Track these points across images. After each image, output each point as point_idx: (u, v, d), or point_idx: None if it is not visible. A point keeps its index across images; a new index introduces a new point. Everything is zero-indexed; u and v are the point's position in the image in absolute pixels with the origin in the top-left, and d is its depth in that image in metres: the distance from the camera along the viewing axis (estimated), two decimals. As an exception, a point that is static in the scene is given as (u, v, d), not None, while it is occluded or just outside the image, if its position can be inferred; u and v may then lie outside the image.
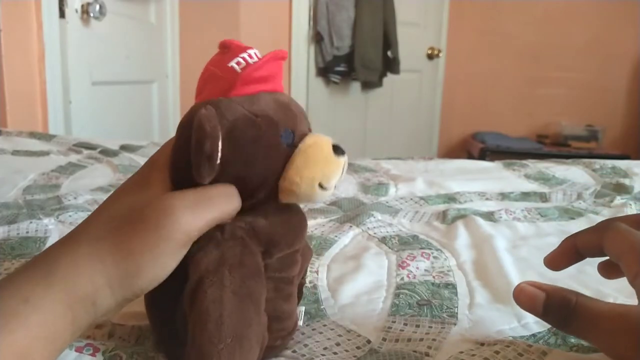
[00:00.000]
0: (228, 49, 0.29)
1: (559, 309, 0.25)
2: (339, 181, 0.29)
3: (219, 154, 0.26)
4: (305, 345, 0.33)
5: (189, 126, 0.27)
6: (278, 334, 0.30)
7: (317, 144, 0.28)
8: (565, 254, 0.31)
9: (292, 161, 0.27)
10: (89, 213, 0.64)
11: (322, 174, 0.28)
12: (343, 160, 0.29)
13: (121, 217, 0.26)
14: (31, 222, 0.53)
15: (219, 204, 0.27)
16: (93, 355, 0.30)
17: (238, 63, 0.28)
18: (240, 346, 0.25)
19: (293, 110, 0.29)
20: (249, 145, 0.27)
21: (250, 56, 0.28)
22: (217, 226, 0.27)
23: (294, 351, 0.32)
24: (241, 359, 0.25)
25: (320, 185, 0.28)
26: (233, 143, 0.26)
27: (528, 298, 0.26)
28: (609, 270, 0.32)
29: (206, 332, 0.24)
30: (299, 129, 0.29)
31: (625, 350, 0.24)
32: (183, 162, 0.27)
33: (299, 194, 0.28)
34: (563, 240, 0.31)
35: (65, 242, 0.26)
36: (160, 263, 0.25)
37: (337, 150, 0.28)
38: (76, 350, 0.30)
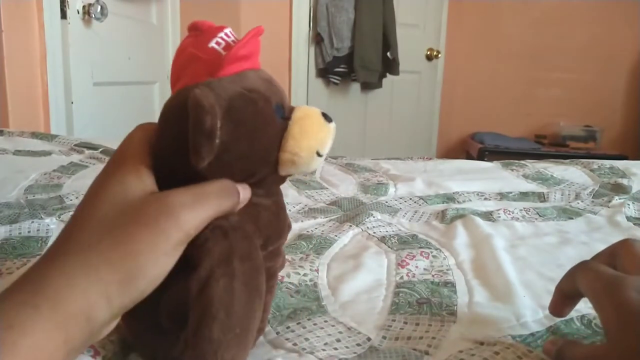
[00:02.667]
0: (201, 31, 0.29)
1: (557, 357, 0.30)
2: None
3: (218, 133, 0.25)
4: (306, 339, 0.33)
5: (178, 110, 0.26)
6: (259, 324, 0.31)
7: (308, 115, 0.29)
8: (560, 302, 0.32)
9: (289, 133, 0.28)
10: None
11: (318, 141, 0.29)
12: (332, 126, 0.30)
13: (113, 219, 0.25)
14: (33, 222, 0.53)
15: (217, 201, 0.26)
16: (94, 357, 0.30)
17: (218, 43, 0.28)
18: (245, 337, 0.25)
19: (276, 85, 0.30)
20: (250, 122, 0.27)
21: (227, 35, 0.29)
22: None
23: (295, 344, 0.32)
24: (244, 349, 0.25)
25: (317, 153, 0.29)
26: (233, 120, 0.26)
27: (546, 352, 0.31)
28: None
29: (217, 321, 0.24)
30: (285, 103, 0.29)
31: None
32: (171, 150, 0.27)
33: (300, 164, 0.28)
34: (554, 290, 0.33)
35: (52, 255, 0.24)
36: (161, 263, 0.24)
37: (326, 117, 0.30)
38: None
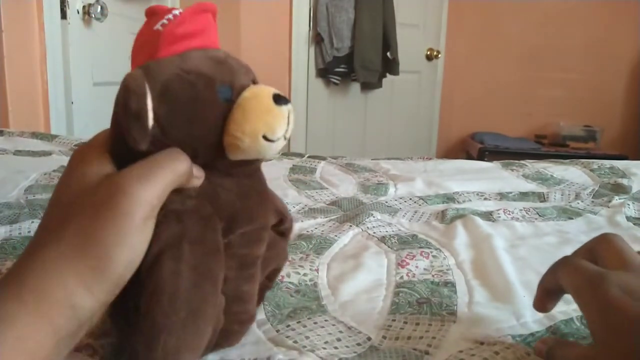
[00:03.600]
0: (154, 14, 0.28)
1: (548, 357, 0.30)
2: (288, 132, 0.28)
3: (149, 114, 0.25)
4: (307, 338, 0.33)
5: (116, 98, 0.26)
6: (237, 316, 0.29)
7: (256, 96, 0.27)
8: (544, 297, 0.32)
9: (231, 116, 0.26)
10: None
11: (264, 125, 0.26)
12: (286, 109, 0.27)
13: (73, 207, 0.25)
14: (33, 222, 0.53)
15: (168, 166, 0.25)
16: (92, 356, 0.30)
17: (162, 25, 0.27)
18: (194, 322, 0.24)
19: (230, 64, 0.28)
20: (185, 104, 0.26)
21: (174, 16, 0.27)
22: (177, 196, 0.26)
23: (295, 342, 0.32)
24: (193, 335, 0.24)
25: (265, 138, 0.26)
26: (168, 104, 0.25)
27: (537, 351, 0.31)
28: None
29: (161, 304, 0.24)
30: (237, 84, 0.27)
31: None
32: (116, 137, 0.27)
33: (245, 148, 0.26)
34: (538, 287, 0.33)
35: (31, 248, 0.25)
36: (129, 243, 0.24)
37: (279, 99, 0.27)
38: (75, 350, 0.30)
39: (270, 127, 0.26)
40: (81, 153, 0.27)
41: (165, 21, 0.27)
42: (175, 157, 0.26)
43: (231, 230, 0.28)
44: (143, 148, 0.25)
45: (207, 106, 0.26)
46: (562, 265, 0.30)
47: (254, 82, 0.29)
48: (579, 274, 0.28)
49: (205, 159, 0.27)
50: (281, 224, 0.35)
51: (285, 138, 0.28)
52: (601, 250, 0.30)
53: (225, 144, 0.27)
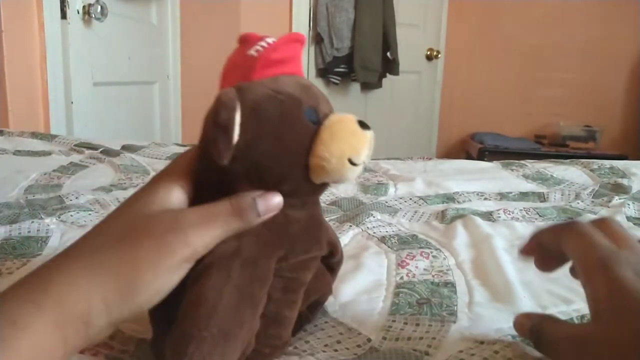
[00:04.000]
0: (246, 41, 0.30)
1: (533, 332, 0.28)
2: (368, 157, 0.28)
3: (236, 127, 0.25)
4: (307, 342, 0.33)
5: (206, 117, 0.26)
6: (271, 340, 0.29)
7: (341, 120, 0.28)
8: (533, 249, 0.30)
9: (319, 137, 0.27)
10: (90, 213, 0.63)
11: (350, 147, 0.27)
12: (369, 133, 0.28)
13: (123, 229, 0.25)
14: (33, 222, 0.53)
15: (225, 220, 0.26)
16: (95, 355, 0.30)
17: (256, 50, 0.28)
18: (225, 341, 0.24)
19: (314, 91, 0.29)
20: (274, 120, 0.26)
21: (269, 44, 0.29)
22: None
23: (295, 347, 0.32)
24: (220, 356, 0.24)
25: (350, 161, 0.27)
26: (258, 119, 0.26)
27: (519, 325, 0.30)
28: (546, 263, 0.31)
29: (196, 315, 0.24)
30: (321, 109, 0.28)
31: None
32: (203, 155, 0.27)
33: (330, 170, 0.27)
34: (530, 237, 0.30)
35: (61, 257, 0.25)
36: (162, 279, 0.24)
37: (363, 124, 0.28)
38: (79, 352, 0.30)
39: (355, 150, 0.27)
40: (159, 176, 0.28)
41: (259, 47, 0.28)
42: (237, 212, 0.26)
43: (287, 259, 0.28)
44: (224, 162, 0.26)
45: (295, 124, 0.27)
46: (569, 231, 0.27)
47: (331, 111, 0.30)
48: (591, 247, 0.26)
49: (292, 183, 0.27)
50: (332, 257, 0.34)
51: (365, 163, 0.28)
52: (605, 227, 0.28)
53: (311, 165, 0.27)
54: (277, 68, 0.28)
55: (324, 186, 0.29)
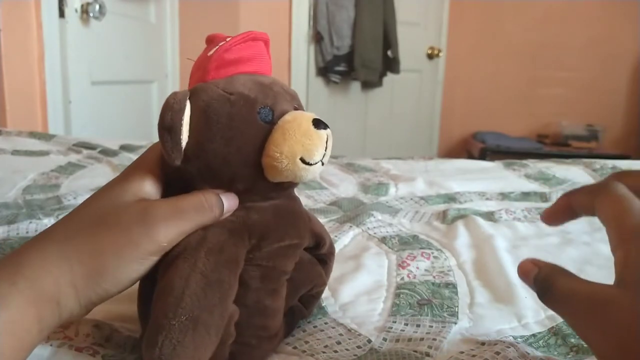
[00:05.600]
0: (212, 41, 0.30)
1: (540, 282, 0.25)
2: (325, 156, 0.28)
3: (183, 128, 0.26)
4: (306, 342, 0.33)
5: None
6: (255, 331, 0.29)
7: (295, 120, 0.28)
8: (561, 212, 0.29)
9: (271, 137, 0.27)
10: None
11: (302, 148, 0.27)
12: (324, 133, 0.28)
13: (94, 217, 0.26)
14: (31, 222, 0.53)
15: (194, 216, 0.27)
16: (93, 355, 0.30)
17: (215, 50, 0.28)
18: (194, 328, 0.24)
19: (274, 89, 0.29)
20: (224, 121, 0.27)
21: (223, 44, 0.29)
22: None
23: (295, 347, 0.32)
24: (192, 341, 0.24)
25: (303, 160, 0.27)
26: (207, 120, 0.27)
27: (524, 271, 0.27)
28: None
29: (165, 305, 0.24)
30: (279, 107, 0.28)
31: (591, 331, 0.22)
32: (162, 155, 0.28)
33: (282, 170, 0.27)
34: (559, 198, 0.29)
35: (37, 240, 0.26)
36: (126, 268, 0.25)
37: (318, 124, 0.28)
38: (76, 350, 0.30)
39: (308, 150, 0.27)
40: (132, 167, 0.29)
41: (218, 47, 0.28)
42: (205, 207, 0.27)
43: (259, 247, 0.28)
44: (177, 163, 0.27)
45: (246, 124, 0.27)
46: (606, 194, 0.25)
47: (298, 107, 0.30)
48: (628, 212, 0.24)
49: (245, 183, 0.28)
50: (319, 249, 0.34)
51: (322, 163, 0.28)
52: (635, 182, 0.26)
53: (264, 165, 0.27)
54: (233, 67, 0.28)
55: (284, 184, 0.29)
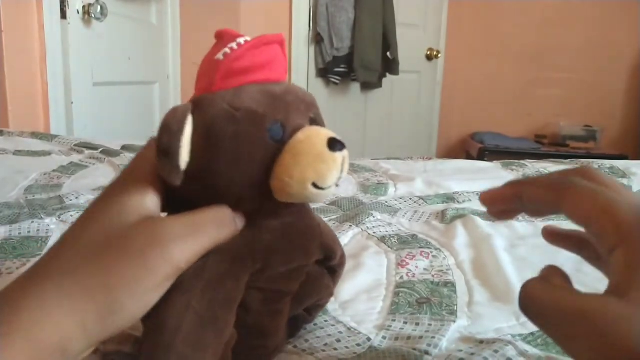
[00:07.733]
0: (221, 39, 0.26)
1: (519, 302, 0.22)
2: (339, 179, 0.25)
3: (182, 150, 0.23)
4: (306, 341, 0.33)
5: None
6: (255, 350, 0.28)
7: (309, 139, 0.25)
8: (508, 200, 0.25)
9: (280, 159, 0.24)
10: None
11: (314, 172, 0.24)
12: (340, 155, 0.25)
13: (96, 243, 0.22)
14: (33, 222, 0.53)
15: (212, 231, 0.24)
16: (93, 352, 0.30)
17: (224, 54, 0.25)
18: None
19: (286, 101, 0.26)
20: (229, 142, 0.24)
21: (239, 45, 0.25)
22: None
23: (295, 346, 0.32)
24: None
25: (315, 185, 0.24)
26: (211, 140, 0.24)
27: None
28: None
29: (156, 346, 0.23)
30: (291, 122, 0.25)
31: (582, 348, 0.18)
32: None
33: (292, 193, 0.24)
34: (505, 185, 0.25)
35: (31, 278, 0.22)
36: (142, 299, 0.22)
37: (334, 145, 0.25)
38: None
39: (320, 175, 0.24)
40: (125, 180, 0.25)
41: (228, 50, 0.25)
42: (223, 222, 0.25)
43: (263, 272, 0.27)
44: (176, 184, 0.24)
45: (253, 145, 0.24)
46: (569, 187, 0.22)
47: (315, 118, 0.27)
48: (595, 201, 0.21)
49: (252, 204, 0.26)
50: (329, 261, 0.32)
51: (337, 185, 0.26)
52: (592, 177, 0.23)
53: (273, 187, 0.25)
54: (243, 77, 0.25)
55: (291, 203, 0.26)
